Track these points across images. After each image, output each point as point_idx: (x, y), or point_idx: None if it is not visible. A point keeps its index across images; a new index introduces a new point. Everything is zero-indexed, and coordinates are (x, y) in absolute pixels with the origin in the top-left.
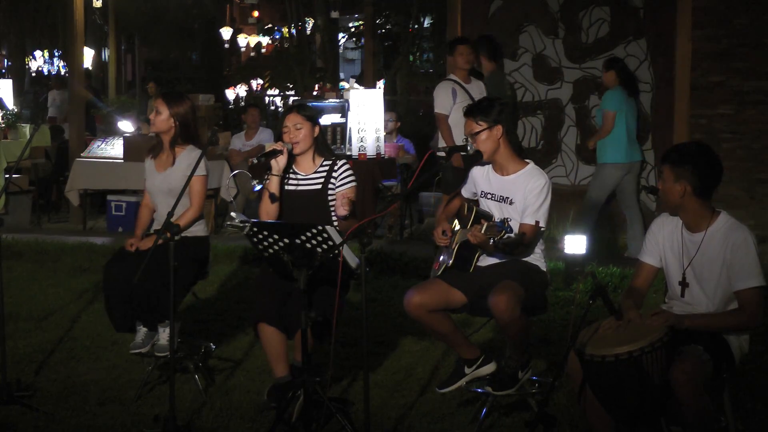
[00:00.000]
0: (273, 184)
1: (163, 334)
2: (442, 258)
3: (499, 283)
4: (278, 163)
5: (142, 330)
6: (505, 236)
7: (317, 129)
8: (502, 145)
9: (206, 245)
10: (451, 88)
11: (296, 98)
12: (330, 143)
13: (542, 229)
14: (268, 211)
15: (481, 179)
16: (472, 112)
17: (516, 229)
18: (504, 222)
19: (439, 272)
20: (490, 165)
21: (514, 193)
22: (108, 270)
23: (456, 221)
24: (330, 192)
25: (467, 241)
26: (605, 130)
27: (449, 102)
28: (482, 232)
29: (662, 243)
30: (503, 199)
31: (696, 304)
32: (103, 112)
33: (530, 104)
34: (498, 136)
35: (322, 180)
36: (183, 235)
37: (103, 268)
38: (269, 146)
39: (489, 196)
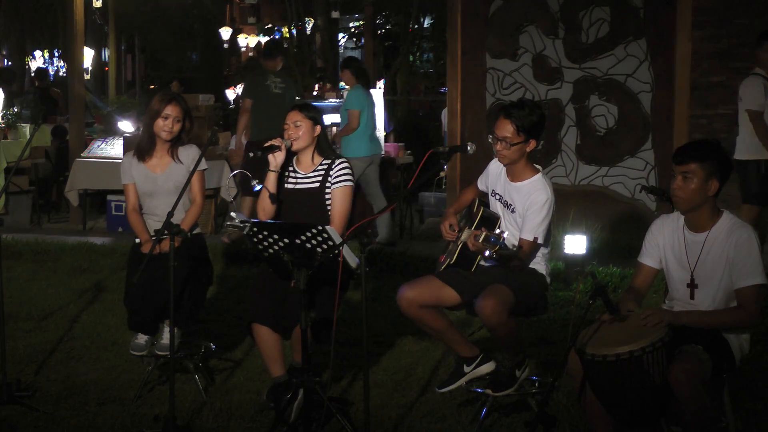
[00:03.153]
0: (271, 180)
1: (166, 333)
2: (448, 252)
3: (488, 287)
4: (276, 158)
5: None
6: (500, 250)
7: (318, 128)
8: (524, 157)
9: (205, 242)
10: (762, 83)
11: (296, 98)
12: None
13: (540, 244)
14: (264, 207)
15: (494, 177)
16: (512, 116)
17: (516, 241)
18: (498, 237)
19: (443, 267)
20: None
21: (517, 201)
22: (130, 282)
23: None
24: (327, 191)
25: None
26: (351, 128)
27: (761, 98)
28: (479, 241)
29: (663, 244)
30: (508, 205)
31: (699, 304)
32: (103, 112)
33: None
34: (526, 150)
35: (319, 179)
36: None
37: (125, 283)
38: (268, 142)
39: (497, 196)
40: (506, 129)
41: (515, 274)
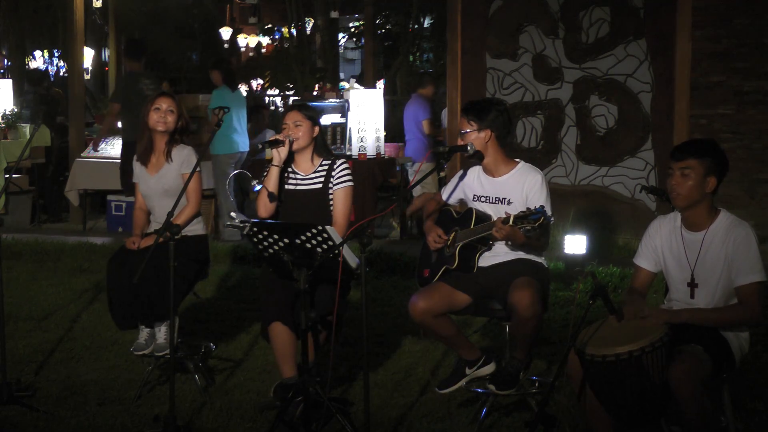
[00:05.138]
0: (273, 175)
1: (160, 334)
2: (434, 262)
3: (516, 280)
4: (279, 153)
5: (144, 330)
6: (545, 222)
7: (317, 129)
8: (490, 148)
9: (206, 244)
10: None
11: (296, 98)
12: (330, 143)
13: (552, 221)
14: (265, 203)
15: (472, 183)
16: (467, 111)
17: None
18: (543, 208)
19: (437, 277)
20: (480, 168)
21: (510, 192)
22: (110, 269)
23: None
24: (331, 192)
25: (469, 242)
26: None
27: None
28: (510, 223)
29: (660, 246)
30: (499, 200)
31: (699, 303)
32: (103, 113)
33: (530, 104)
34: (486, 139)
35: (322, 180)
36: (183, 233)
37: (105, 266)
38: (272, 136)
39: (483, 199)
40: (461, 122)
41: (530, 266)
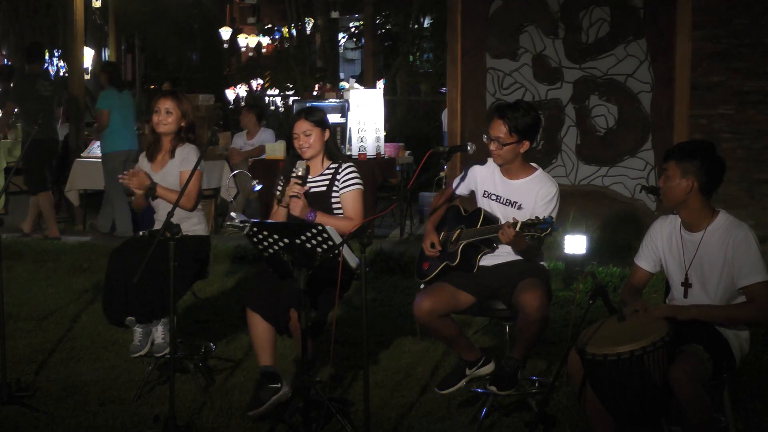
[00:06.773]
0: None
1: (157, 333)
2: (436, 257)
3: (524, 281)
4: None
5: (138, 331)
6: (552, 232)
7: (327, 133)
8: (519, 157)
9: (207, 244)
10: None
11: (296, 98)
12: None
13: (558, 230)
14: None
15: (485, 178)
16: (507, 116)
17: None
18: (552, 219)
19: (436, 271)
20: (499, 167)
21: (522, 197)
22: (111, 261)
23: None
24: (334, 195)
25: (473, 242)
26: (101, 126)
27: None
28: (517, 229)
29: (661, 247)
30: (510, 203)
31: (693, 303)
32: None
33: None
34: (520, 151)
35: (326, 182)
36: (183, 233)
37: (107, 261)
38: (290, 190)
39: (493, 197)
40: (499, 129)
41: (534, 268)
